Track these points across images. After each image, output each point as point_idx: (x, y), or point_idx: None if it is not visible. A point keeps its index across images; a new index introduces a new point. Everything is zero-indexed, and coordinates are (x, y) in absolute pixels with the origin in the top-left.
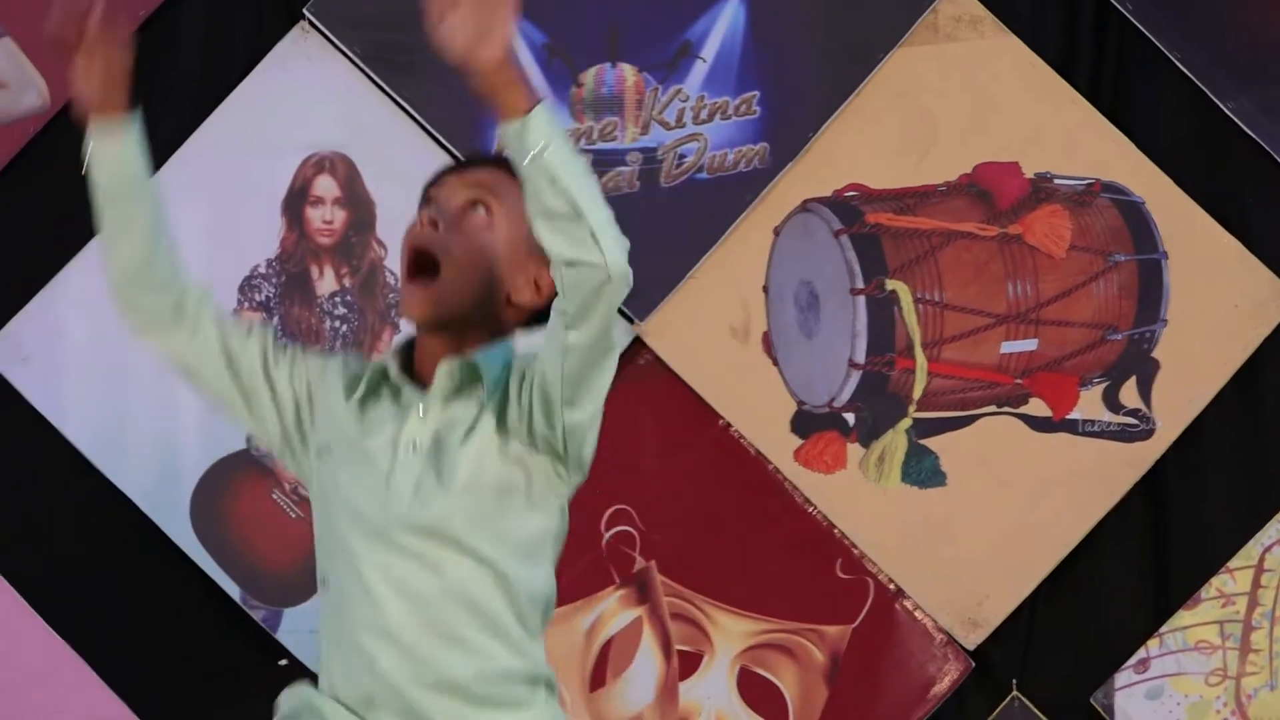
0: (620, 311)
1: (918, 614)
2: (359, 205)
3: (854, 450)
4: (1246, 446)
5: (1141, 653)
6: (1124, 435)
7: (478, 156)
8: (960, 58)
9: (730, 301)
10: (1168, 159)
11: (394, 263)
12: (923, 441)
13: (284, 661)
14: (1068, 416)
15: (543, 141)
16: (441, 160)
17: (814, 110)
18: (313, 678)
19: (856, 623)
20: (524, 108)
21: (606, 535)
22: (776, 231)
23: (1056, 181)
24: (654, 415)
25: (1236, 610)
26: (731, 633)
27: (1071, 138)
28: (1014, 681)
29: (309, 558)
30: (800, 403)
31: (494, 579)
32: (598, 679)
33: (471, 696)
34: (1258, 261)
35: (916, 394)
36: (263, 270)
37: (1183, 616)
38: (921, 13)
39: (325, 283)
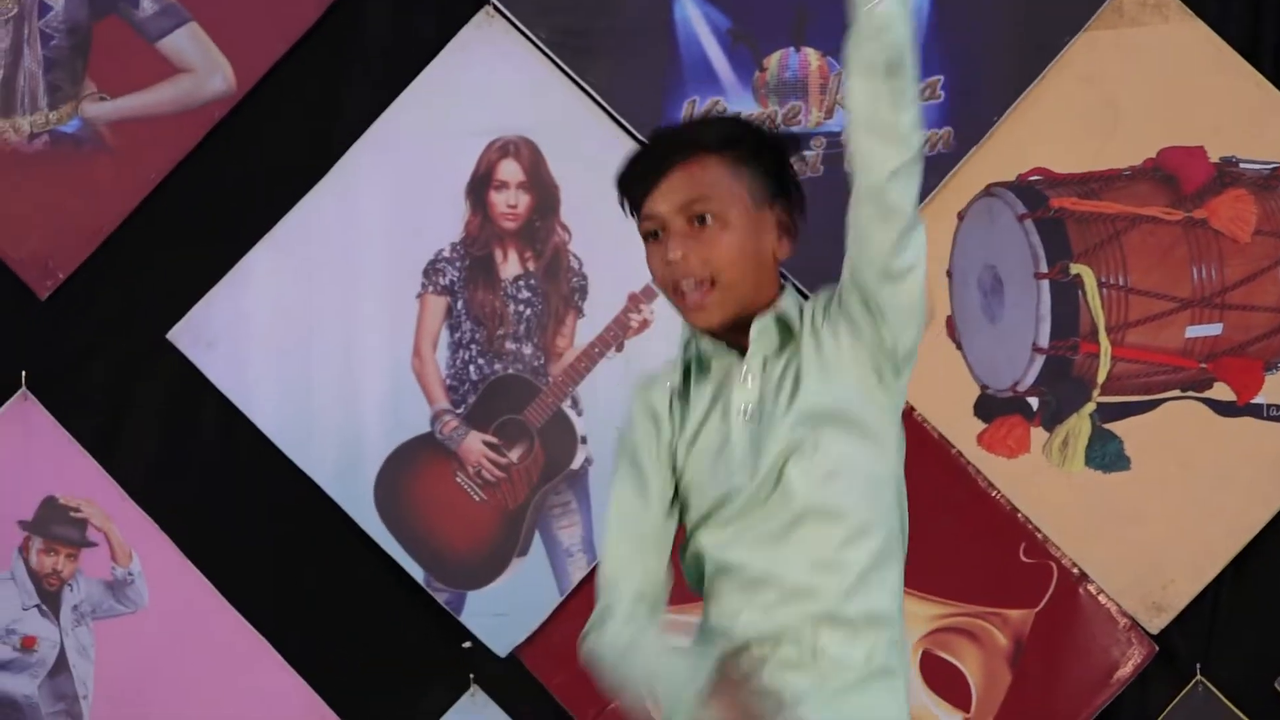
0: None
1: (1101, 598)
2: (543, 189)
3: (1037, 434)
4: None
5: None
6: None
7: (662, 148)
8: (1144, 42)
9: None
10: None
11: (578, 246)
12: (1106, 426)
13: (467, 644)
14: (1252, 401)
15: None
16: (625, 145)
17: (998, 95)
18: (495, 659)
19: (1040, 607)
20: None
21: None
22: (960, 216)
23: (1242, 166)
24: None
25: None
26: (915, 616)
27: (1257, 122)
28: (1198, 666)
29: (492, 541)
30: (984, 387)
31: None
32: None
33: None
34: None
35: (1100, 378)
36: (447, 254)
37: None
38: None
39: (509, 266)
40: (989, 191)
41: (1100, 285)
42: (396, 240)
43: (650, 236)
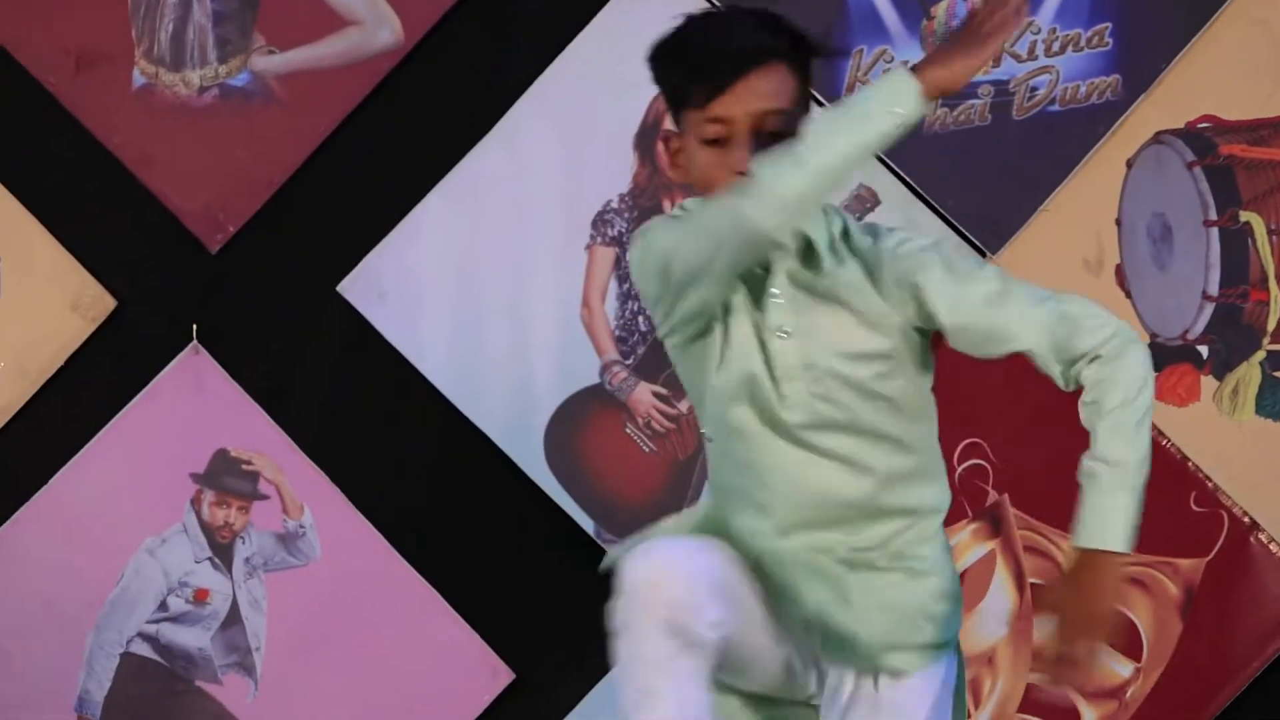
0: (973, 244)
1: (1272, 547)
2: None
3: (1208, 383)
4: None
5: None
6: None
7: (742, 47)
8: None
9: (1083, 234)
10: None
11: None
12: (1277, 374)
13: None
14: None
15: None
16: None
17: (1167, 41)
18: None
19: (1210, 556)
20: None
21: (960, 469)
22: (1129, 164)
23: None
24: None
25: None
26: None
27: None
28: None
29: (663, 491)
30: (1153, 335)
31: None
32: None
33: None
34: None
35: (1270, 326)
36: (615, 205)
37: None
38: None
39: None
40: (1158, 139)
41: (1270, 232)
42: (564, 192)
43: (708, 139)
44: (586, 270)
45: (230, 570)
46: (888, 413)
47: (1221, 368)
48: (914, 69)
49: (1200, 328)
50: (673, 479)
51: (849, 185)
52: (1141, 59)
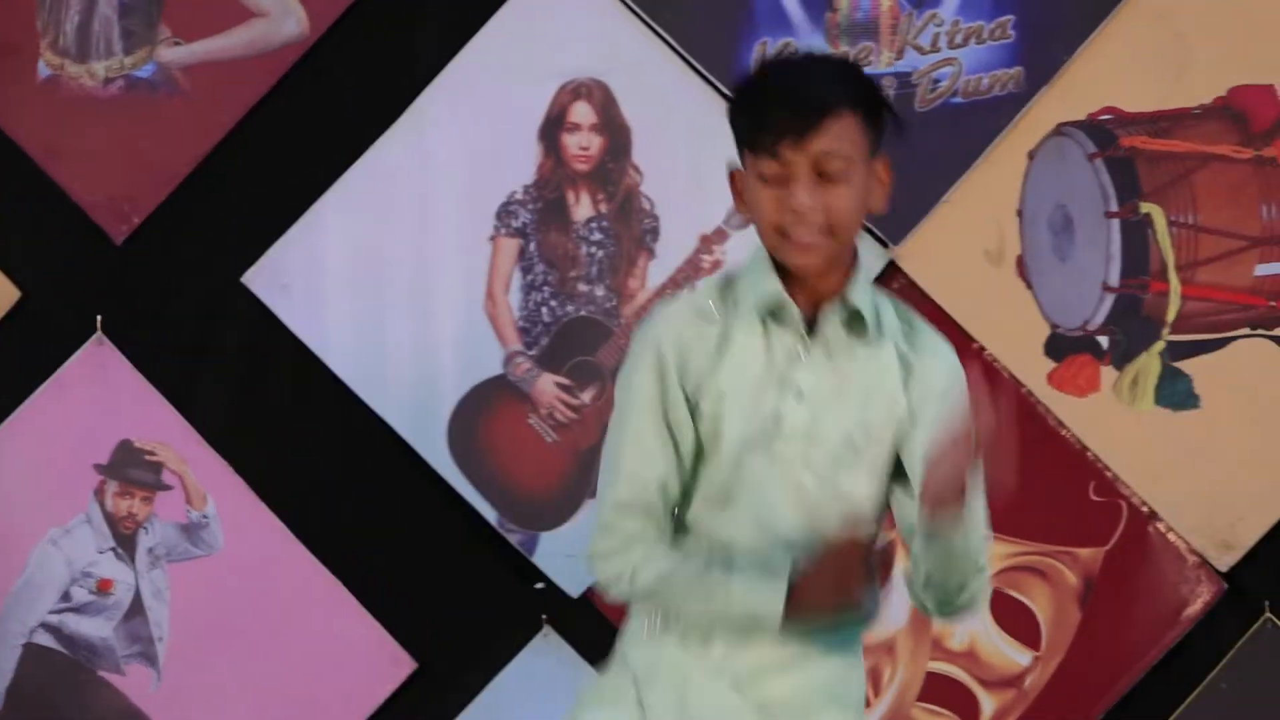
0: (875, 236)
1: (1170, 536)
2: (616, 131)
3: (1107, 373)
4: None
5: None
6: None
7: (810, 97)
8: None
9: (984, 225)
10: None
11: (650, 188)
12: (1176, 364)
13: (540, 585)
14: None
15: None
16: (697, 87)
17: (1069, 34)
18: (567, 600)
19: (1109, 545)
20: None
21: None
22: (1031, 155)
23: None
24: None
25: None
26: None
27: None
28: (1266, 604)
29: (565, 482)
30: (1054, 326)
31: None
32: None
33: None
34: None
35: (1170, 317)
36: (520, 196)
37: None
38: None
39: (581, 209)
40: (1059, 131)
41: (1170, 224)
42: (469, 183)
43: (770, 179)
44: (491, 261)
45: (133, 560)
46: None
47: (1121, 358)
48: (789, 602)
49: (1101, 318)
50: (575, 469)
51: None
52: (1043, 51)
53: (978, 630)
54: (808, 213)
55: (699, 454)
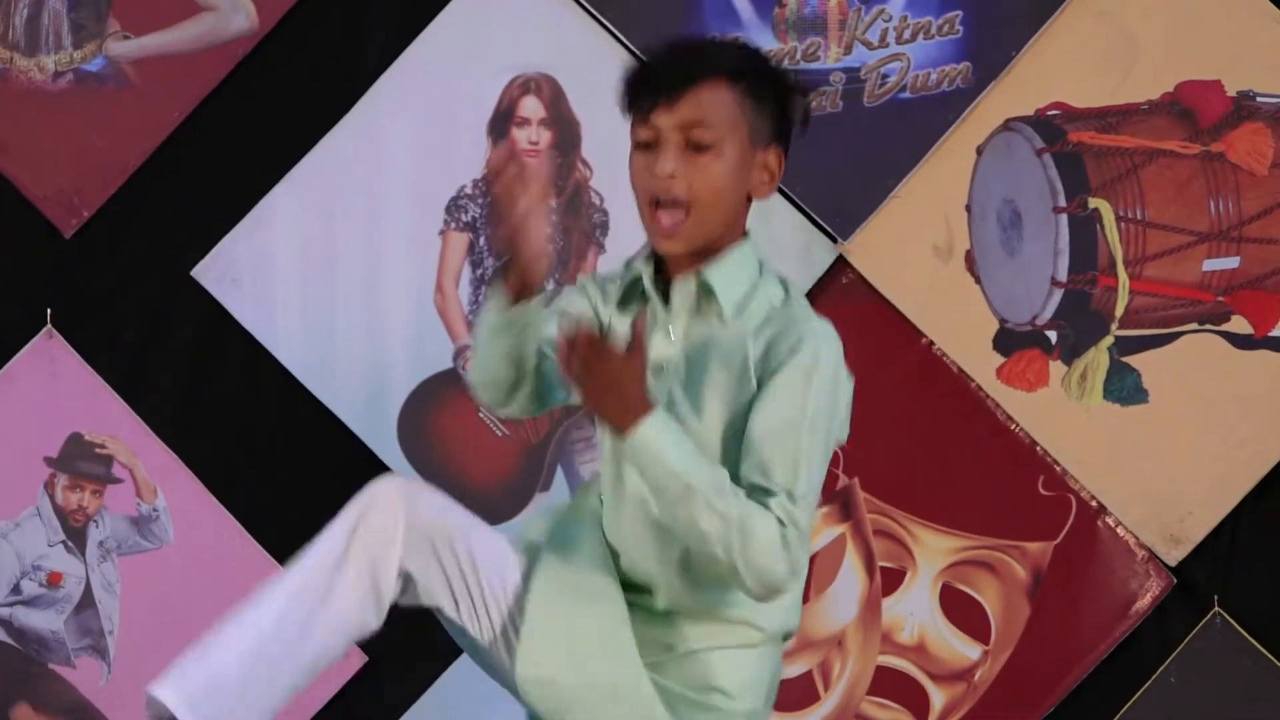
0: (823, 230)
1: (1119, 531)
2: (564, 126)
3: (1056, 368)
4: None
5: None
6: None
7: (683, 65)
8: None
9: (933, 220)
10: None
11: (599, 183)
12: (1124, 359)
13: None
14: (1270, 334)
15: (642, 468)
16: None
17: (1017, 29)
18: None
19: (1058, 540)
20: (628, 429)
21: None
22: (979, 151)
23: (1259, 100)
24: (856, 334)
25: None
26: (934, 549)
27: (1274, 56)
28: (1215, 598)
29: (515, 476)
30: (1003, 321)
31: None
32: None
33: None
34: None
35: (1118, 312)
36: (469, 191)
37: None
38: None
39: None
40: (1007, 126)
41: (1118, 219)
42: (418, 177)
43: (644, 146)
44: (440, 255)
45: (84, 554)
46: None
47: (1070, 353)
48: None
49: (1049, 313)
50: (525, 463)
51: None
52: (992, 47)
53: (927, 624)
54: (666, 179)
55: None
